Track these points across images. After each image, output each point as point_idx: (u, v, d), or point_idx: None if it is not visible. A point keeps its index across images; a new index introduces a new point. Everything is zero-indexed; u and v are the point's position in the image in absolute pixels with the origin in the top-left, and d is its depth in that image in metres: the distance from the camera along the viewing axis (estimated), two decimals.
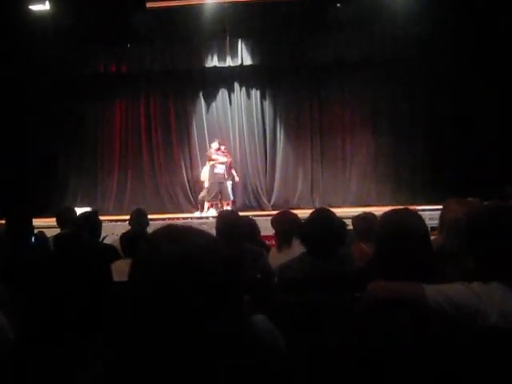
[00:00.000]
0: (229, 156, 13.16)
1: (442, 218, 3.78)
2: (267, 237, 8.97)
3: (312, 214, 3.92)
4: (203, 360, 1.19)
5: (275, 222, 5.10)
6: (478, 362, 1.94)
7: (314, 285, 3.31)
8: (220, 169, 12.60)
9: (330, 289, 3.26)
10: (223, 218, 4.70)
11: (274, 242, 8.29)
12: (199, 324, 1.18)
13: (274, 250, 4.92)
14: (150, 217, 8.93)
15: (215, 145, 12.95)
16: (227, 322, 1.21)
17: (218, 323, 1.19)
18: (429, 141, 13.69)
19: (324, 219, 3.70)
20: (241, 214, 5.89)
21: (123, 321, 1.25)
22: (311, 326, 2.92)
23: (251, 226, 5.26)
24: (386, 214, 2.65)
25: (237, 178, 13.25)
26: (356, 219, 4.90)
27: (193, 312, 1.17)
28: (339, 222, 3.75)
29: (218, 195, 12.65)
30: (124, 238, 4.60)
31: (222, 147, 13.03)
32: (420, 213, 2.78)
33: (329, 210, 4.20)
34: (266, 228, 9.98)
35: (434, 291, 2.05)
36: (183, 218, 11.92)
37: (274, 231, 5.03)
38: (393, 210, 2.71)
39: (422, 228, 2.53)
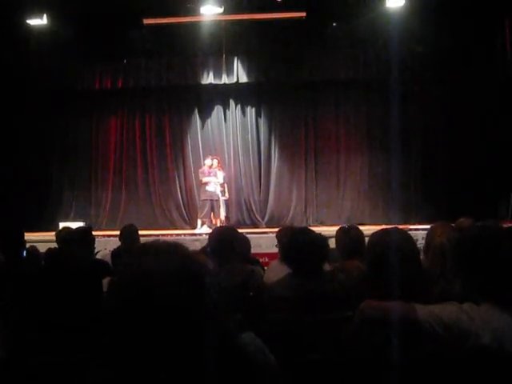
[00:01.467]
0: (222, 169, 13.11)
1: (427, 242, 3.78)
2: (260, 254, 9.00)
3: (290, 233, 3.90)
4: (184, 375, 1.18)
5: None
6: (469, 382, 1.93)
7: (300, 304, 3.30)
8: (211, 187, 12.54)
9: (317, 308, 3.25)
10: (216, 235, 4.67)
11: (266, 260, 8.33)
12: (172, 341, 1.17)
13: (276, 262, 4.85)
14: (143, 233, 8.94)
15: (208, 161, 12.88)
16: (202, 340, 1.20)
17: (189, 343, 1.18)
18: (423, 160, 13.77)
19: (303, 239, 3.67)
20: None
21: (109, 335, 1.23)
22: (300, 345, 2.90)
23: (244, 242, 5.23)
24: (376, 234, 2.66)
25: (226, 195, 13.17)
26: (339, 234, 4.85)
27: (163, 332, 1.16)
28: (319, 239, 3.71)
29: (209, 212, 12.61)
30: (115, 253, 4.59)
31: (215, 161, 12.95)
32: (413, 232, 2.81)
33: (306, 228, 4.19)
34: (259, 245, 10.04)
35: (425, 311, 2.04)
36: (176, 235, 11.87)
37: (267, 248, 5.02)
38: (383, 230, 2.72)
39: (412, 248, 2.53)
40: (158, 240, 1.33)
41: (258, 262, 5.61)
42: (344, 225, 5.28)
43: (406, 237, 2.59)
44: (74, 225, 8.20)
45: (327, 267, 4.12)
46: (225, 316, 1.32)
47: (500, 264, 2.06)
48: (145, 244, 1.31)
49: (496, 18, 12.39)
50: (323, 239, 3.71)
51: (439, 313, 2.03)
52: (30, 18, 11.83)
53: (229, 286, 3.68)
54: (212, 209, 12.60)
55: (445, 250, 3.32)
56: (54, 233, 6.48)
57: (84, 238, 5.20)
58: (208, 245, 4.53)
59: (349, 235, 4.75)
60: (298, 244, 3.63)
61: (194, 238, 10.88)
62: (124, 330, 1.17)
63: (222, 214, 12.87)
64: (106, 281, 3.66)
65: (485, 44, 12.40)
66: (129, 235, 6.17)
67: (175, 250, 1.28)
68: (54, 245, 5.87)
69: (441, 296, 2.49)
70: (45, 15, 11.79)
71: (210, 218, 12.67)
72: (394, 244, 2.46)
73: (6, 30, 11.91)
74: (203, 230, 12.24)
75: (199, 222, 12.83)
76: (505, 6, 11.83)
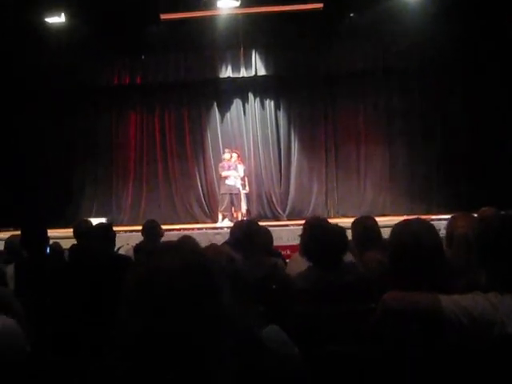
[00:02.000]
0: (242, 163, 13.12)
1: (449, 233, 3.75)
2: (282, 247, 9.00)
3: (306, 226, 3.88)
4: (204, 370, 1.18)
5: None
6: (495, 371, 1.92)
7: (321, 296, 3.29)
8: (231, 180, 12.54)
9: (338, 300, 3.24)
10: (239, 228, 4.68)
11: (288, 252, 8.32)
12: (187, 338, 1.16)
13: (298, 255, 4.83)
14: (164, 227, 8.96)
15: (226, 155, 12.89)
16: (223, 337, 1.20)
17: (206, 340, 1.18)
18: (443, 150, 13.66)
19: (321, 231, 3.66)
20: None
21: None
22: (322, 337, 2.90)
23: (266, 235, 5.23)
24: (398, 225, 2.64)
25: (247, 189, 13.17)
26: (353, 226, 4.82)
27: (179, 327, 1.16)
28: (337, 230, 3.70)
29: (229, 206, 12.62)
30: (138, 248, 4.61)
31: (234, 155, 12.95)
32: (436, 222, 2.79)
33: (322, 219, 4.17)
34: (280, 238, 10.04)
35: (449, 302, 2.03)
36: (198, 229, 11.91)
37: (289, 241, 5.00)
38: (405, 221, 2.70)
39: (435, 238, 2.51)
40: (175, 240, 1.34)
41: (279, 255, 5.61)
42: (359, 216, 5.24)
43: (428, 227, 2.56)
44: (96, 221, 8.26)
45: (350, 258, 4.12)
46: (245, 309, 1.31)
47: None
48: (163, 243, 1.33)
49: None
50: (341, 231, 3.70)
51: (464, 303, 2.02)
52: (49, 17, 11.93)
53: (252, 279, 3.69)
54: (232, 202, 12.59)
55: (469, 241, 3.29)
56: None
57: (105, 233, 5.23)
58: (230, 238, 4.54)
59: (363, 226, 4.73)
60: (316, 237, 3.62)
61: (215, 231, 10.91)
62: (135, 328, 1.18)
63: (244, 207, 12.87)
64: None
65: (503, 33, 12.24)
66: (151, 230, 6.21)
67: (183, 246, 1.28)
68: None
69: (467, 287, 2.47)
70: (63, 13, 11.88)
71: (231, 211, 12.67)
72: (416, 235, 2.45)
73: (25, 28, 12.02)
74: (224, 223, 12.26)
75: (220, 215, 12.86)
76: None
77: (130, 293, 1.21)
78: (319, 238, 3.58)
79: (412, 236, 2.45)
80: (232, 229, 4.72)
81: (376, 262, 4.05)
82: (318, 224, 3.84)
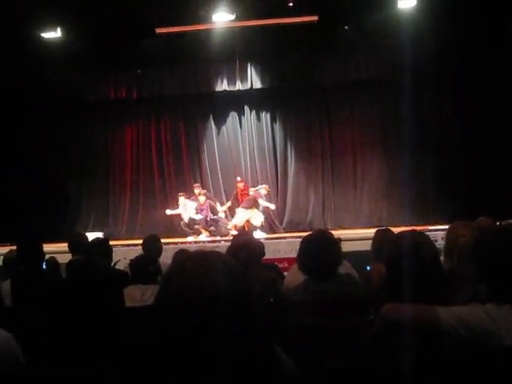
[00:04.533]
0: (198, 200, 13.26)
1: (450, 242, 3.73)
2: (279, 259, 8.99)
3: (305, 238, 3.90)
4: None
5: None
6: (493, 382, 1.92)
7: (318, 308, 3.30)
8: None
9: (335, 312, 3.24)
10: (235, 241, 4.71)
11: (286, 265, 8.31)
12: (227, 350, 1.18)
13: (296, 267, 4.88)
14: (161, 241, 8.87)
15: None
16: (256, 349, 1.21)
17: (246, 349, 1.19)
18: (440, 160, 13.67)
19: (314, 244, 3.68)
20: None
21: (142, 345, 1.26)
22: (319, 349, 2.90)
23: (259, 248, 5.23)
24: (395, 237, 2.65)
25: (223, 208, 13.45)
26: (374, 237, 4.90)
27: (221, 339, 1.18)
28: (331, 242, 3.71)
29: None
30: (134, 264, 4.59)
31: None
32: (433, 233, 2.79)
33: (323, 230, 4.20)
34: (278, 250, 10.03)
35: (447, 313, 2.03)
36: (195, 242, 11.91)
37: (286, 253, 5.05)
38: (402, 233, 2.71)
39: (430, 250, 2.52)
40: (199, 252, 1.35)
41: (274, 267, 5.60)
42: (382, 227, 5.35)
43: (422, 239, 2.57)
44: (93, 235, 8.24)
45: (347, 269, 4.13)
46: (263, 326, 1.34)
47: None
48: (198, 253, 1.34)
49: (509, 16, 12.29)
50: (335, 242, 3.73)
51: (462, 314, 2.02)
52: (45, 32, 11.94)
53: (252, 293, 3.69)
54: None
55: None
56: None
57: (101, 248, 5.23)
58: (229, 251, 4.54)
59: (376, 237, 4.80)
60: (309, 249, 3.64)
61: (214, 245, 10.89)
62: (174, 342, 1.19)
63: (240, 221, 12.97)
64: (125, 291, 3.68)
65: (498, 42, 12.30)
66: (152, 243, 6.20)
67: (226, 262, 1.31)
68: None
69: (472, 297, 2.46)
70: (59, 28, 11.89)
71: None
72: (410, 247, 2.45)
73: (21, 43, 12.04)
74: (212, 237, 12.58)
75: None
76: None
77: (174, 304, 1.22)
78: (312, 250, 3.60)
79: (405, 249, 2.45)
80: (231, 242, 4.76)
81: (378, 274, 4.06)
82: (312, 236, 3.85)
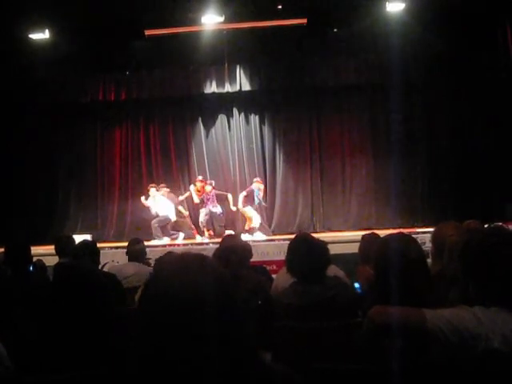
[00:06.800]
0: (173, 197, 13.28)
1: (438, 242, 3.72)
2: (268, 262, 9.00)
3: (292, 241, 3.91)
4: None
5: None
6: None
7: (306, 311, 3.30)
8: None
9: (323, 314, 3.24)
10: (223, 244, 4.70)
11: (274, 267, 8.31)
12: (210, 355, 1.15)
13: (284, 270, 4.87)
14: (150, 243, 8.82)
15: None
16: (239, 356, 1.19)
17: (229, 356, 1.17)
18: (428, 163, 13.73)
19: (301, 246, 3.70)
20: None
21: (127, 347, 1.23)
22: (307, 352, 2.89)
23: (247, 250, 5.22)
24: (382, 240, 2.65)
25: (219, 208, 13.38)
26: (361, 241, 4.91)
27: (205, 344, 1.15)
28: (318, 245, 3.73)
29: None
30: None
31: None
32: (421, 235, 2.79)
33: (308, 234, 4.20)
34: (267, 253, 10.03)
35: (434, 316, 2.03)
36: (183, 245, 11.87)
37: (275, 255, 5.04)
38: (389, 236, 2.71)
39: (417, 252, 2.52)
40: (183, 254, 1.32)
41: (262, 270, 5.60)
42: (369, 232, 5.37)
43: (409, 241, 2.57)
44: (81, 237, 8.20)
45: (336, 272, 4.13)
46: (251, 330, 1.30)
47: (505, 269, 2.05)
48: (178, 256, 1.31)
49: (498, 22, 12.39)
50: (322, 245, 3.74)
51: (449, 317, 2.01)
52: (33, 33, 11.88)
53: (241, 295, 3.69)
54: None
55: None
56: None
57: (89, 251, 5.21)
58: (216, 253, 4.53)
59: (363, 240, 4.81)
60: (297, 252, 3.65)
61: (201, 247, 10.87)
62: (154, 345, 1.16)
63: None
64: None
65: (486, 47, 12.39)
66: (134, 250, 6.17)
67: (208, 264, 1.28)
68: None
69: (460, 297, 2.46)
70: (47, 30, 11.84)
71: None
72: (397, 250, 2.46)
73: (9, 44, 11.98)
74: (206, 239, 12.47)
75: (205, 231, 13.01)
76: (507, 10, 11.83)
77: (151, 306, 1.20)
78: (301, 253, 3.61)
79: (395, 251, 2.45)
80: (219, 244, 4.75)
81: (364, 277, 4.06)
82: (300, 239, 3.86)
